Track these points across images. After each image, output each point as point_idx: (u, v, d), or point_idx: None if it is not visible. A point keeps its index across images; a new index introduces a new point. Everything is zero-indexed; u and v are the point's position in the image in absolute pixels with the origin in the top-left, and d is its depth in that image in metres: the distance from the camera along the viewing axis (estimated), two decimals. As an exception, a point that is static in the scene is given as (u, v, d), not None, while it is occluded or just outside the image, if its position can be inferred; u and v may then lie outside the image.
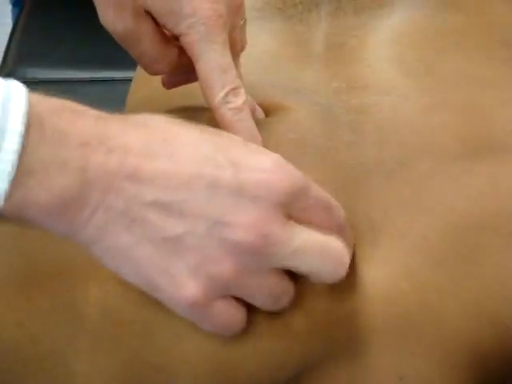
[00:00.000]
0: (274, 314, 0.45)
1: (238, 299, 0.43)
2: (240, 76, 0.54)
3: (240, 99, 0.50)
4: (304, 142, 0.53)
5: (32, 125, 0.38)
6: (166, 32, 0.52)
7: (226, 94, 0.50)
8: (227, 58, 0.50)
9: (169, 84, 0.57)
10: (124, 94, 0.71)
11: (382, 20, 0.64)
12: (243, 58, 0.56)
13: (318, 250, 0.43)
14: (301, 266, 0.43)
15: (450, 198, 0.48)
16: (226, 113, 0.50)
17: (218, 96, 0.49)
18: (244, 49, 0.56)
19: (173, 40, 0.53)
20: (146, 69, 0.53)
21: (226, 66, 0.50)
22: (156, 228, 0.40)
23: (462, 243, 0.47)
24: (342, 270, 0.43)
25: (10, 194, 0.38)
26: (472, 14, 0.66)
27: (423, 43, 0.62)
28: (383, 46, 0.62)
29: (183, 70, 0.54)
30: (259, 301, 0.43)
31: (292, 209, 0.42)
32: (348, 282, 0.46)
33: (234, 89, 0.50)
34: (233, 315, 0.43)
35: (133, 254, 0.41)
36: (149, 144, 0.41)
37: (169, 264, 0.41)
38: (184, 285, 0.41)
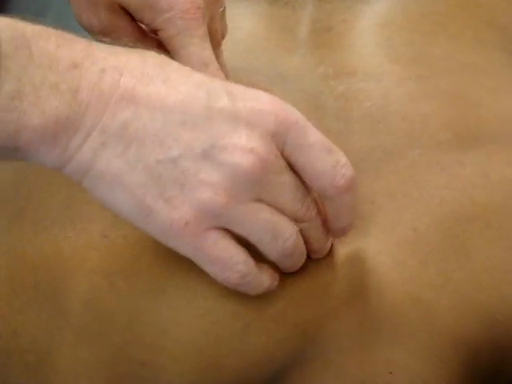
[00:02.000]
0: (262, 309, 0.45)
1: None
2: (224, 66, 0.53)
3: None
4: None
5: (19, 47, 0.37)
6: (144, 27, 0.51)
7: None
8: (207, 51, 0.49)
9: None
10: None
11: (370, 4, 0.63)
12: (228, 42, 0.55)
13: (294, 188, 0.42)
14: (281, 200, 0.42)
15: (439, 188, 0.48)
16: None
17: None
18: (225, 36, 0.54)
19: (151, 35, 0.51)
20: None
21: (207, 60, 0.49)
22: (151, 150, 0.40)
23: (452, 235, 0.46)
24: (304, 210, 0.43)
25: (3, 119, 0.37)
26: None
27: (411, 27, 0.61)
28: (371, 30, 0.61)
29: None
30: (257, 234, 0.42)
31: (288, 144, 0.41)
32: (337, 274, 0.46)
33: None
34: (229, 250, 0.42)
35: (126, 179, 0.40)
36: (143, 67, 0.40)
37: (163, 187, 0.40)
38: (177, 207, 0.40)
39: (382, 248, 0.46)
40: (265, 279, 0.44)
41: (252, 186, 0.40)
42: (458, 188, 0.48)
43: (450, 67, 0.57)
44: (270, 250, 0.43)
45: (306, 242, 0.45)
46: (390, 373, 0.44)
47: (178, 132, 0.40)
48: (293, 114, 0.41)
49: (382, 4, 0.63)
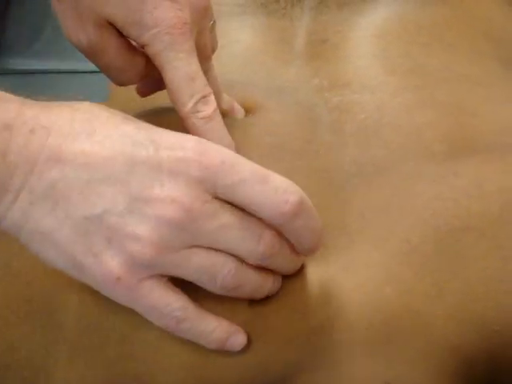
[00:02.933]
0: (253, 323, 0.45)
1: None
2: (214, 79, 0.53)
3: (210, 107, 0.49)
4: (281, 146, 0.53)
5: None
6: (132, 42, 0.51)
7: (196, 103, 0.49)
8: (194, 66, 0.49)
9: (142, 93, 0.56)
10: (106, 86, 0.70)
11: (366, 15, 0.64)
12: (226, 56, 0.55)
13: (239, 228, 0.42)
14: (223, 243, 0.42)
15: (433, 199, 0.48)
16: (196, 122, 0.49)
17: (187, 106, 0.48)
18: (215, 50, 0.54)
19: (139, 50, 0.51)
20: (113, 80, 0.52)
21: (193, 75, 0.49)
22: (77, 208, 0.40)
23: (447, 246, 0.46)
24: (262, 249, 0.43)
25: None
26: (457, 8, 0.65)
27: (407, 38, 0.61)
28: (367, 41, 0.61)
29: (155, 78, 0.53)
30: (193, 277, 0.42)
31: (218, 186, 0.41)
32: (326, 289, 0.45)
33: (204, 97, 0.49)
34: (165, 298, 0.42)
35: (56, 237, 0.41)
36: (71, 123, 0.41)
37: (91, 243, 0.41)
38: (107, 263, 0.41)
39: (374, 261, 0.46)
40: (210, 326, 0.43)
41: (180, 235, 0.41)
42: (452, 198, 0.48)
43: (446, 78, 0.57)
44: (211, 288, 0.43)
45: (277, 269, 0.45)
46: (387, 383, 0.44)
47: (102, 188, 0.40)
48: (218, 155, 0.41)
49: (378, 15, 0.64)
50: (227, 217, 0.42)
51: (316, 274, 0.46)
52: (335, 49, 0.61)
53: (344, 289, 0.46)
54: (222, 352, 0.44)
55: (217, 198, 0.42)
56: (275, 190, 0.42)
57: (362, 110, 0.54)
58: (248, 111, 0.56)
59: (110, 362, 0.45)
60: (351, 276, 0.46)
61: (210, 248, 0.42)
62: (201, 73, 0.49)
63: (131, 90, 0.57)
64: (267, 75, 0.60)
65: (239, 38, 0.64)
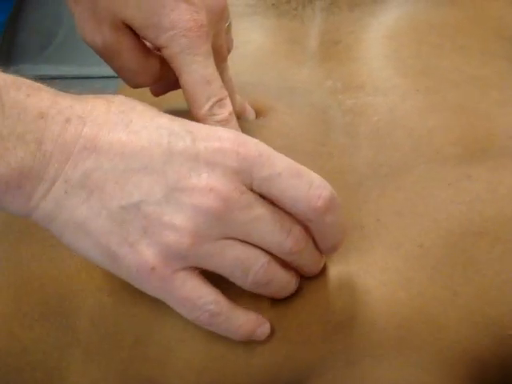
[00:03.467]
0: (272, 323, 0.45)
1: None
2: (229, 81, 0.53)
3: (226, 110, 0.49)
4: (293, 148, 0.52)
5: None
6: (147, 44, 0.51)
7: (212, 107, 0.48)
8: (210, 69, 0.49)
9: (156, 92, 0.56)
10: (117, 91, 0.70)
11: (377, 16, 0.63)
12: (236, 56, 0.55)
13: (271, 221, 0.42)
14: (255, 235, 0.42)
15: (446, 203, 0.48)
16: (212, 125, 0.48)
17: (204, 109, 0.48)
18: (230, 51, 0.54)
19: (154, 52, 0.51)
20: (127, 82, 0.52)
21: (209, 77, 0.48)
22: (113, 197, 0.40)
23: (460, 250, 0.46)
24: (290, 243, 0.43)
25: None
26: (468, 8, 0.65)
27: (419, 39, 0.61)
28: (379, 43, 0.61)
29: (169, 80, 0.53)
30: (226, 271, 0.42)
31: (254, 178, 0.41)
32: (343, 292, 0.45)
33: (220, 100, 0.49)
34: (198, 290, 0.42)
35: (91, 226, 0.41)
36: (107, 113, 0.41)
37: (127, 233, 0.40)
38: (142, 252, 0.40)
39: (388, 265, 0.46)
40: (240, 319, 0.43)
41: (216, 225, 0.40)
42: (466, 202, 0.47)
43: (458, 80, 0.57)
44: (242, 283, 0.43)
45: (300, 267, 0.45)
46: None
47: (139, 177, 0.40)
48: (255, 147, 0.41)
49: (389, 16, 0.63)
50: (261, 209, 0.42)
51: (334, 277, 0.46)
52: (348, 50, 0.61)
53: (360, 293, 0.45)
54: (236, 355, 0.44)
55: (251, 189, 0.42)
56: (309, 184, 0.42)
57: (376, 113, 0.54)
58: (259, 112, 0.56)
59: (123, 364, 0.45)
60: (367, 280, 0.46)
61: (244, 241, 0.42)
62: (217, 75, 0.49)
63: (141, 95, 0.57)
64: (278, 76, 0.60)
65: (250, 39, 0.63)
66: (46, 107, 0.40)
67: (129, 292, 0.46)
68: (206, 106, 0.48)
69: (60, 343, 0.46)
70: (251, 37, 0.64)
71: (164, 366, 0.45)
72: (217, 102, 0.48)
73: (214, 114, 0.48)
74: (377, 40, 0.61)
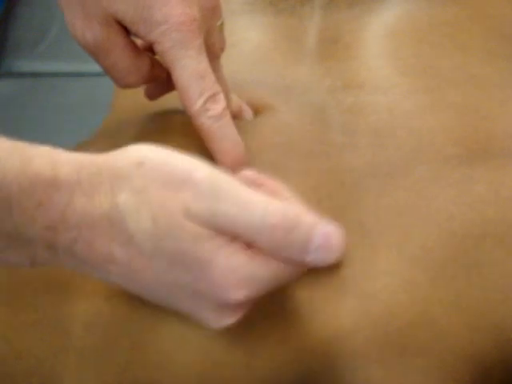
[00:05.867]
0: (268, 332, 0.44)
1: None
2: (223, 79, 0.52)
3: (220, 106, 0.48)
4: (291, 146, 0.52)
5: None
6: (138, 43, 0.51)
7: (205, 102, 0.48)
8: (203, 64, 0.48)
9: (150, 95, 0.55)
10: (111, 88, 0.70)
11: (377, 14, 0.63)
12: (233, 54, 0.55)
13: None
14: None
15: (448, 205, 0.47)
16: (205, 121, 0.48)
17: (197, 104, 0.48)
18: (223, 50, 0.54)
19: (145, 52, 0.51)
20: (116, 82, 0.51)
21: (202, 72, 0.48)
22: None
23: (463, 252, 0.45)
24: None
25: None
26: (469, 7, 0.64)
27: (420, 38, 0.60)
28: (378, 41, 0.60)
29: (160, 81, 0.53)
30: None
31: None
32: (345, 295, 0.45)
33: (213, 95, 0.48)
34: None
35: None
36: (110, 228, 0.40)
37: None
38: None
39: (389, 267, 0.45)
40: None
41: None
42: (468, 204, 0.47)
43: (458, 79, 0.56)
44: None
45: None
46: None
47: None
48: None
49: (389, 14, 0.63)
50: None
51: (335, 279, 0.46)
52: (347, 48, 0.60)
53: (362, 295, 0.45)
54: (235, 362, 0.44)
55: None
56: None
57: (375, 112, 0.54)
58: (257, 111, 0.56)
59: (119, 369, 0.45)
60: (368, 282, 0.45)
61: None
62: (210, 71, 0.48)
63: (137, 93, 0.56)
64: (276, 74, 0.60)
65: (248, 37, 0.63)
66: (55, 221, 0.39)
67: (126, 296, 0.45)
68: (200, 102, 0.48)
69: (54, 349, 0.45)
70: (249, 35, 0.63)
71: (162, 371, 0.44)
72: (210, 97, 0.48)
73: (208, 110, 0.48)
74: (376, 38, 0.60)
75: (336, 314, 0.44)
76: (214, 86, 0.48)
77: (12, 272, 0.48)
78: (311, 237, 0.39)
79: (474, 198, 0.47)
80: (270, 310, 0.45)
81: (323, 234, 0.40)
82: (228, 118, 0.49)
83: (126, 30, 0.49)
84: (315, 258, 0.40)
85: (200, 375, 0.44)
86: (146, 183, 0.40)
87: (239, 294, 0.39)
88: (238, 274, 0.39)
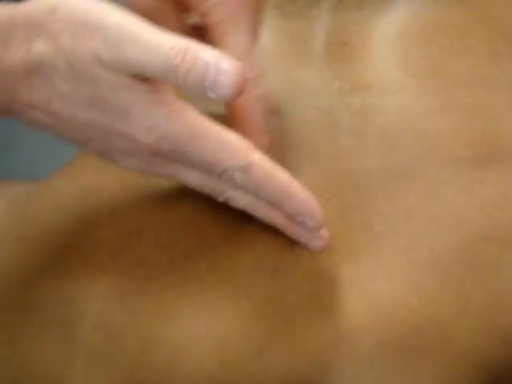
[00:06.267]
0: (277, 332, 0.44)
1: None
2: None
3: (259, 88, 0.49)
4: (299, 148, 0.52)
5: None
6: (189, 21, 0.51)
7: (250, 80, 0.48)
8: (251, 43, 0.48)
9: None
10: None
11: (385, 16, 0.62)
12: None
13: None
14: None
15: (458, 208, 0.47)
16: (243, 100, 0.48)
17: None
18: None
19: (191, 33, 0.51)
20: None
21: (249, 51, 0.48)
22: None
23: (472, 255, 0.45)
24: None
25: None
26: (475, 9, 0.64)
27: (428, 40, 0.60)
28: (387, 43, 0.60)
29: None
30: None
31: None
32: (353, 295, 0.44)
33: (257, 77, 0.49)
34: None
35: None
36: None
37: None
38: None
39: (397, 269, 0.45)
40: None
41: None
42: (477, 207, 0.47)
43: (467, 81, 0.56)
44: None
45: None
46: None
47: None
48: None
49: (397, 16, 0.62)
50: None
51: (344, 280, 0.46)
52: (355, 51, 0.60)
53: (370, 297, 0.45)
54: (246, 358, 0.44)
55: None
56: None
57: (384, 114, 0.53)
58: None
59: (128, 371, 0.45)
60: (377, 284, 0.45)
61: None
62: (255, 51, 0.49)
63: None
64: (284, 77, 0.59)
65: None
66: None
67: (135, 296, 0.45)
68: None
69: (62, 351, 0.45)
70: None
71: (172, 371, 0.44)
72: (254, 78, 0.48)
73: (250, 90, 0.48)
74: (385, 41, 0.60)
75: (344, 314, 0.44)
76: (257, 67, 0.49)
77: (20, 274, 0.47)
78: (206, 75, 0.42)
79: (484, 201, 0.47)
80: (278, 308, 0.45)
81: (215, 72, 0.42)
82: (263, 104, 0.50)
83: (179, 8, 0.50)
84: (215, 93, 0.42)
85: (210, 375, 0.44)
86: (60, 29, 0.42)
87: (151, 138, 0.43)
88: (152, 121, 0.43)
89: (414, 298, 0.44)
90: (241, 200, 0.46)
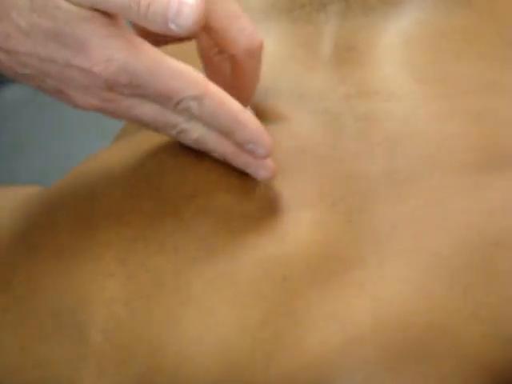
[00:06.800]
0: (284, 335, 0.44)
1: None
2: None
3: (258, 41, 0.51)
4: (305, 151, 0.52)
5: None
6: None
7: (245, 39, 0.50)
8: (237, 3, 0.50)
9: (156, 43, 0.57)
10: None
11: (392, 20, 0.63)
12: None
13: None
14: None
15: (464, 212, 0.47)
16: (243, 57, 0.51)
17: (239, 42, 0.50)
18: None
19: None
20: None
21: (238, 12, 0.50)
22: None
23: (479, 261, 0.45)
24: None
25: None
26: (484, 14, 0.64)
27: (435, 44, 0.60)
28: (394, 48, 0.60)
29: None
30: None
31: None
32: (361, 301, 0.44)
33: (252, 33, 0.50)
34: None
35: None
36: None
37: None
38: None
39: (405, 274, 0.45)
40: None
41: None
42: (485, 212, 0.46)
43: (475, 86, 0.56)
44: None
45: None
46: None
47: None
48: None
49: (405, 21, 0.62)
50: None
51: (351, 284, 0.46)
52: (362, 56, 0.60)
53: (378, 302, 0.45)
54: (254, 362, 0.44)
55: None
56: None
57: (390, 119, 0.53)
58: (271, 117, 0.56)
59: (138, 376, 0.45)
60: (385, 288, 0.45)
61: None
62: (241, 10, 0.50)
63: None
64: (291, 81, 0.60)
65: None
66: None
67: (143, 301, 0.45)
68: (242, 40, 0.50)
69: (73, 356, 0.45)
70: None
71: (181, 376, 0.44)
72: (251, 33, 0.50)
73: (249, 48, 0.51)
74: (392, 45, 0.60)
75: (352, 320, 0.44)
76: (250, 23, 0.50)
77: (30, 281, 0.48)
78: (168, 6, 0.44)
79: (491, 205, 0.47)
80: (285, 314, 0.45)
81: (178, 3, 0.44)
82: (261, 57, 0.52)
83: None
84: (176, 25, 0.44)
85: (218, 380, 0.44)
86: None
87: (109, 70, 0.44)
88: (109, 53, 0.44)
89: (421, 302, 0.44)
90: (194, 132, 0.48)
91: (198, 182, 0.50)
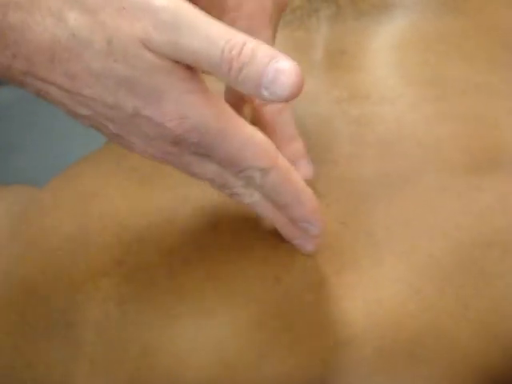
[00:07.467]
0: (279, 336, 0.44)
1: None
2: None
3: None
4: None
5: None
6: None
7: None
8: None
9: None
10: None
11: (383, 25, 0.63)
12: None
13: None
14: None
15: (456, 214, 0.47)
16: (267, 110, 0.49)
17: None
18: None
19: None
20: None
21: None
22: None
23: (471, 261, 0.45)
24: None
25: None
26: (473, 17, 0.64)
27: (426, 48, 0.60)
28: (385, 52, 0.60)
29: None
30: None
31: None
32: (354, 302, 0.45)
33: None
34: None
35: None
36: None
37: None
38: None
39: (397, 275, 0.46)
40: None
41: None
42: (476, 213, 0.47)
43: (465, 88, 0.57)
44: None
45: None
46: None
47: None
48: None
49: (396, 25, 0.63)
50: None
51: (344, 286, 0.46)
52: (354, 59, 0.60)
53: (370, 303, 0.45)
54: (247, 363, 0.44)
55: None
56: None
57: (382, 122, 0.54)
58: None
59: (130, 375, 0.45)
60: (377, 290, 0.45)
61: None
62: None
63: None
64: None
65: None
66: None
67: (137, 301, 0.45)
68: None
69: (65, 356, 0.46)
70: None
71: (173, 376, 0.44)
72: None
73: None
74: (383, 49, 0.61)
75: (345, 321, 0.45)
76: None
77: (24, 280, 0.48)
78: (264, 72, 0.40)
79: (482, 207, 0.47)
80: (278, 315, 0.45)
81: (275, 70, 0.40)
82: (291, 111, 0.50)
83: None
84: (270, 92, 0.41)
85: (210, 380, 0.44)
86: (100, 4, 0.40)
87: (182, 127, 0.41)
88: (186, 110, 0.41)
89: (413, 304, 0.45)
90: (249, 197, 0.45)
91: (191, 185, 0.50)
